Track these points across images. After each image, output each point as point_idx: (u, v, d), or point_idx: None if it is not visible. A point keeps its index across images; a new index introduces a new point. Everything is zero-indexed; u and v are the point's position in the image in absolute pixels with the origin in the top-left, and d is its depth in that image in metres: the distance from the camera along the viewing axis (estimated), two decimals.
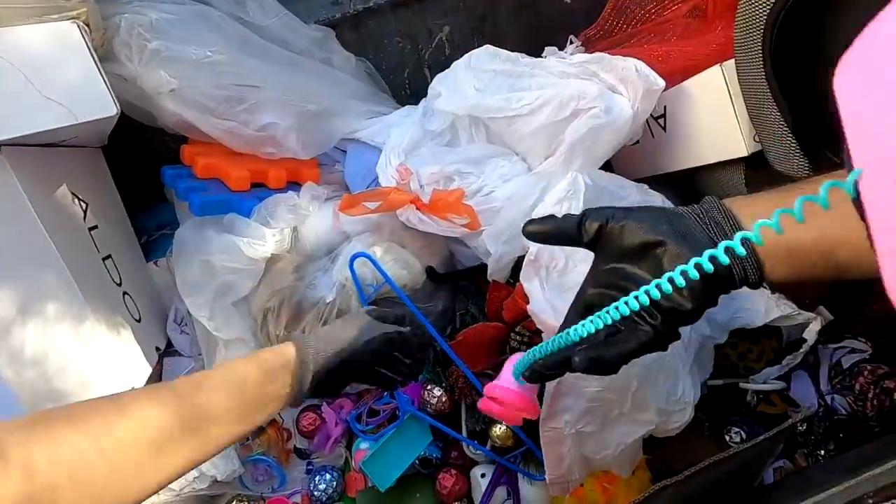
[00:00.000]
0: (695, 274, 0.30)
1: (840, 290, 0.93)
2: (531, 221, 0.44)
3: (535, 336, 0.85)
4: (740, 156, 0.73)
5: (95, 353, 0.76)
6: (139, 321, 0.90)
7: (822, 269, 0.37)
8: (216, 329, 0.85)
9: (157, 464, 0.38)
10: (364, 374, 0.53)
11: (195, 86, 0.82)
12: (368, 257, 0.81)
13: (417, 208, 0.82)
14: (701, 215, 0.38)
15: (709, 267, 0.29)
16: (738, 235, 0.27)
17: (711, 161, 0.78)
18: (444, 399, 0.89)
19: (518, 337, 0.85)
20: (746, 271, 0.37)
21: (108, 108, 0.72)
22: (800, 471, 0.72)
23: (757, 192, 0.40)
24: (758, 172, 0.76)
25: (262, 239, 0.82)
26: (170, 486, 0.42)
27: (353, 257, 0.81)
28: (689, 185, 0.93)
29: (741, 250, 0.27)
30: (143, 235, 1.10)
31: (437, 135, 0.92)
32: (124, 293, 0.89)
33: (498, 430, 0.87)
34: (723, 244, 0.29)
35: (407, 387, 0.95)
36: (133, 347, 0.85)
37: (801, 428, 0.90)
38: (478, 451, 0.91)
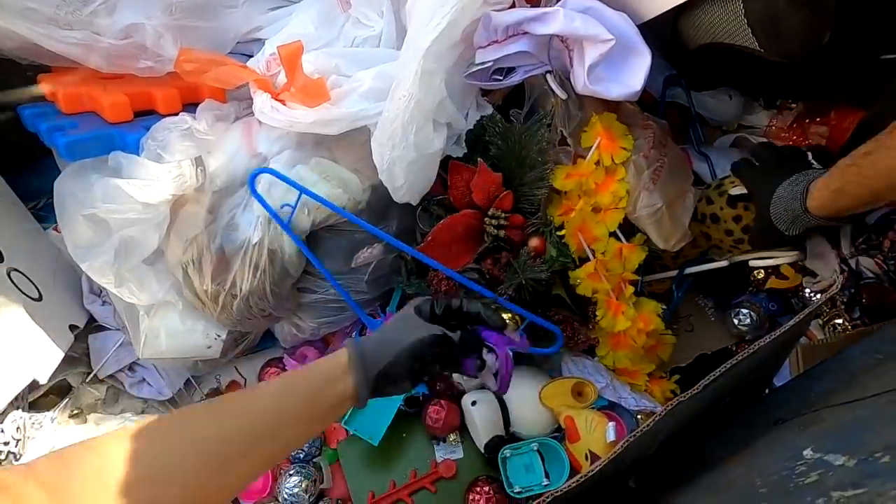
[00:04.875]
0: None
1: (853, 144, 0.79)
2: None
3: (512, 215, 0.72)
4: None
5: None
6: (39, 300, 0.75)
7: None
8: (129, 296, 0.70)
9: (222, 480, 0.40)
10: (419, 372, 0.53)
11: None
12: (272, 172, 0.65)
13: (273, 97, 0.67)
14: None
15: None
16: None
17: None
18: None
19: (494, 221, 0.72)
20: None
21: None
22: (838, 355, 0.61)
23: None
24: None
25: (155, 178, 0.65)
26: None
27: (252, 176, 0.65)
28: (677, 41, 0.75)
29: None
30: (37, 199, 0.93)
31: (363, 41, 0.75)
32: (11, 270, 0.73)
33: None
34: None
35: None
36: (34, 331, 0.71)
37: (815, 298, 0.80)
38: (470, 379, 0.81)
